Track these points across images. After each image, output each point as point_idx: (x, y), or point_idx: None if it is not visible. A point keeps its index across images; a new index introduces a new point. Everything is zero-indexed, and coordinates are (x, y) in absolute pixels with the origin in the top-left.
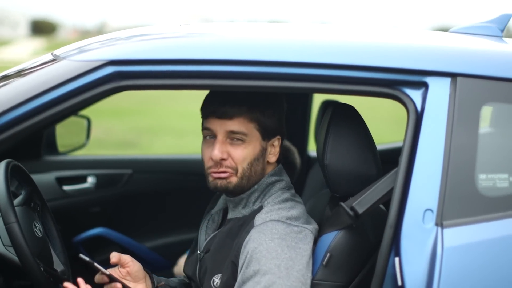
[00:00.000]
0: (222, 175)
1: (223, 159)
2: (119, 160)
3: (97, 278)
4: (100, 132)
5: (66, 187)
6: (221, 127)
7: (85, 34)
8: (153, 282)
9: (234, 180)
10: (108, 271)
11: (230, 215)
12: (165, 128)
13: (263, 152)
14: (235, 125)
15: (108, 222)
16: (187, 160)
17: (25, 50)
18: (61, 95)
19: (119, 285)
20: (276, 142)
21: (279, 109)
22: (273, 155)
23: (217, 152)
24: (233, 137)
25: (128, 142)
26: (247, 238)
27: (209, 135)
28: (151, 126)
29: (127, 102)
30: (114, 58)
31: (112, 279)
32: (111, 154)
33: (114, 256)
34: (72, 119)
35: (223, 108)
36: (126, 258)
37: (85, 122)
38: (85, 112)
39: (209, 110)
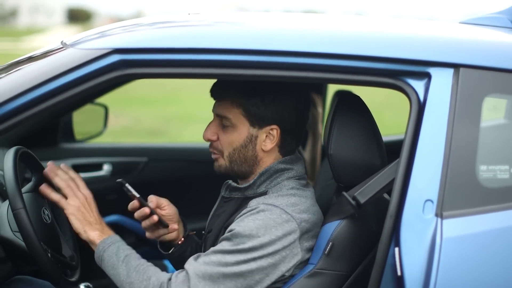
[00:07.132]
0: (213, 156)
1: (211, 140)
2: (134, 148)
3: (131, 205)
4: (129, 121)
5: (82, 175)
6: (214, 108)
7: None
8: (185, 230)
9: (222, 162)
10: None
11: (234, 194)
12: (194, 117)
13: (252, 139)
14: (221, 108)
15: (123, 210)
16: (202, 149)
17: (61, 38)
18: (65, 83)
19: (147, 209)
20: (273, 131)
21: (274, 100)
22: (268, 143)
23: (205, 132)
24: (221, 120)
25: (157, 131)
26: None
27: None
28: (180, 114)
29: (157, 91)
30: (119, 47)
31: (143, 204)
32: (127, 142)
33: (152, 201)
34: (89, 107)
35: (214, 89)
36: (164, 202)
37: (102, 110)
38: (111, 100)
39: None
